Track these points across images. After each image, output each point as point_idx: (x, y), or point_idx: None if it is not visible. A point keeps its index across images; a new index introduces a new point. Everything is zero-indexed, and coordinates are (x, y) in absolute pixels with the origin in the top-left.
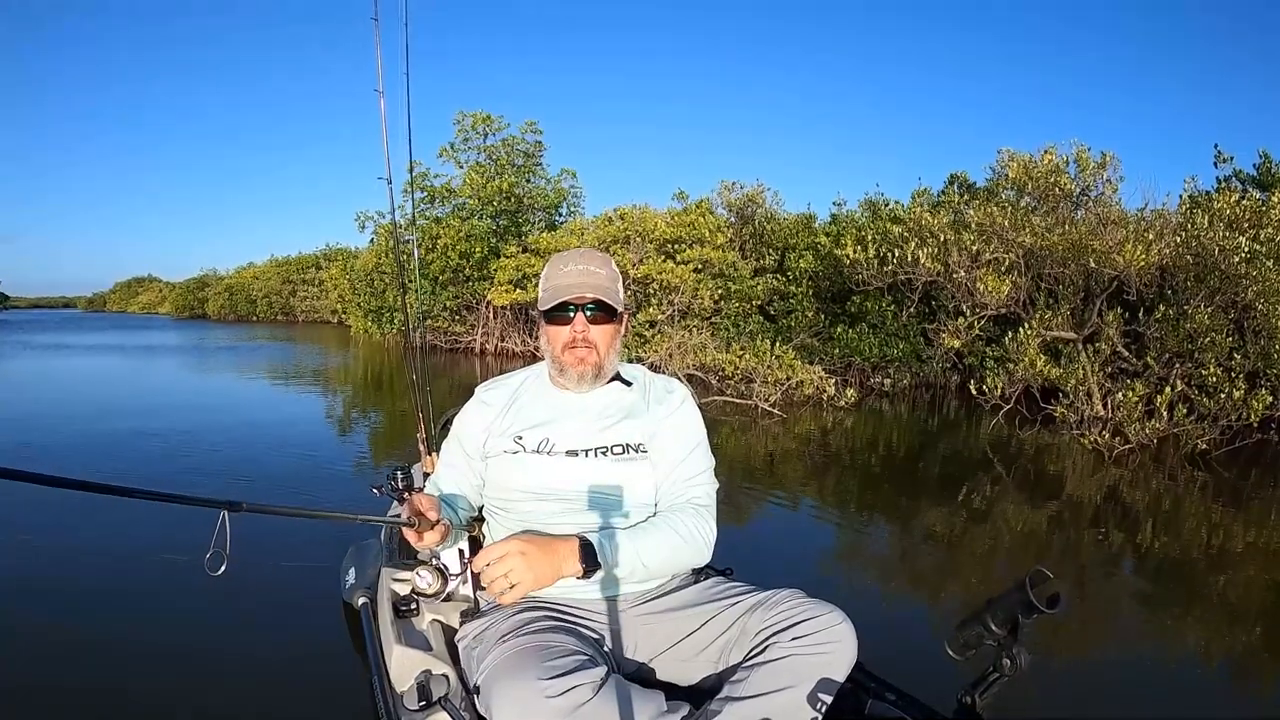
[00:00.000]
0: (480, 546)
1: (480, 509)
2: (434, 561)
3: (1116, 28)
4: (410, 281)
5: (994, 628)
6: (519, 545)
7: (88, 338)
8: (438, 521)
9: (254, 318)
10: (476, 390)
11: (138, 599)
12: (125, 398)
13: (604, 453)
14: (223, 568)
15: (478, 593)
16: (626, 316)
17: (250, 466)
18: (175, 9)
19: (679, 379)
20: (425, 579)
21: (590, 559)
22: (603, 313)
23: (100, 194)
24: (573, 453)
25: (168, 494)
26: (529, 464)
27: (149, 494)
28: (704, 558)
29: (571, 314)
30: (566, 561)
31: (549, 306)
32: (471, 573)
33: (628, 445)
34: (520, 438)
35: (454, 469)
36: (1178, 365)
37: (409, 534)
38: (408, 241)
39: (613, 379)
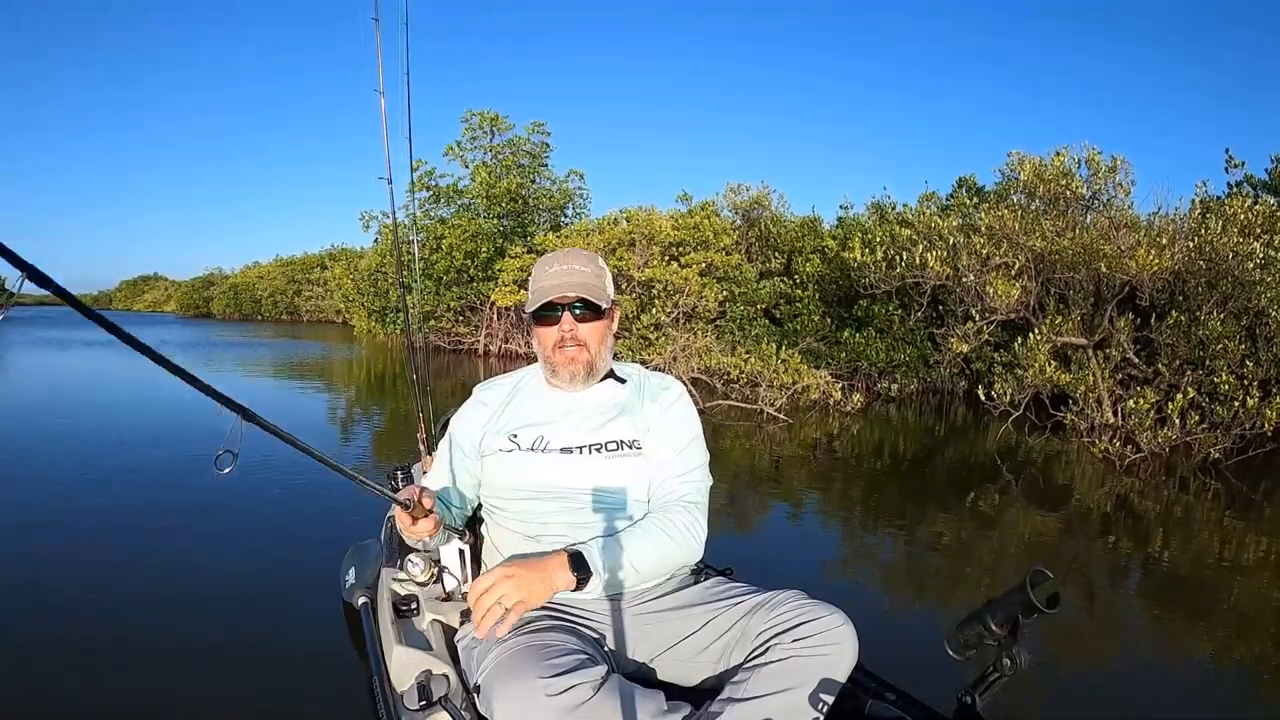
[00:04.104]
0: (480, 547)
1: (475, 510)
2: (426, 551)
3: (1124, 30)
4: (412, 281)
5: (994, 628)
6: (504, 570)
7: (91, 333)
8: (431, 510)
9: (259, 317)
10: (474, 390)
11: (136, 598)
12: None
13: (598, 450)
14: (229, 469)
15: None
16: (617, 310)
17: (248, 468)
18: (179, 8)
19: (675, 377)
20: (418, 565)
21: (581, 568)
22: (589, 310)
23: (106, 192)
24: (567, 450)
25: (192, 377)
26: (524, 462)
27: (177, 370)
28: (695, 556)
29: (558, 314)
30: (557, 575)
31: (535, 308)
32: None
33: (622, 442)
34: (515, 436)
35: (448, 467)
36: (1189, 372)
37: (402, 516)
38: (410, 241)
39: (607, 376)
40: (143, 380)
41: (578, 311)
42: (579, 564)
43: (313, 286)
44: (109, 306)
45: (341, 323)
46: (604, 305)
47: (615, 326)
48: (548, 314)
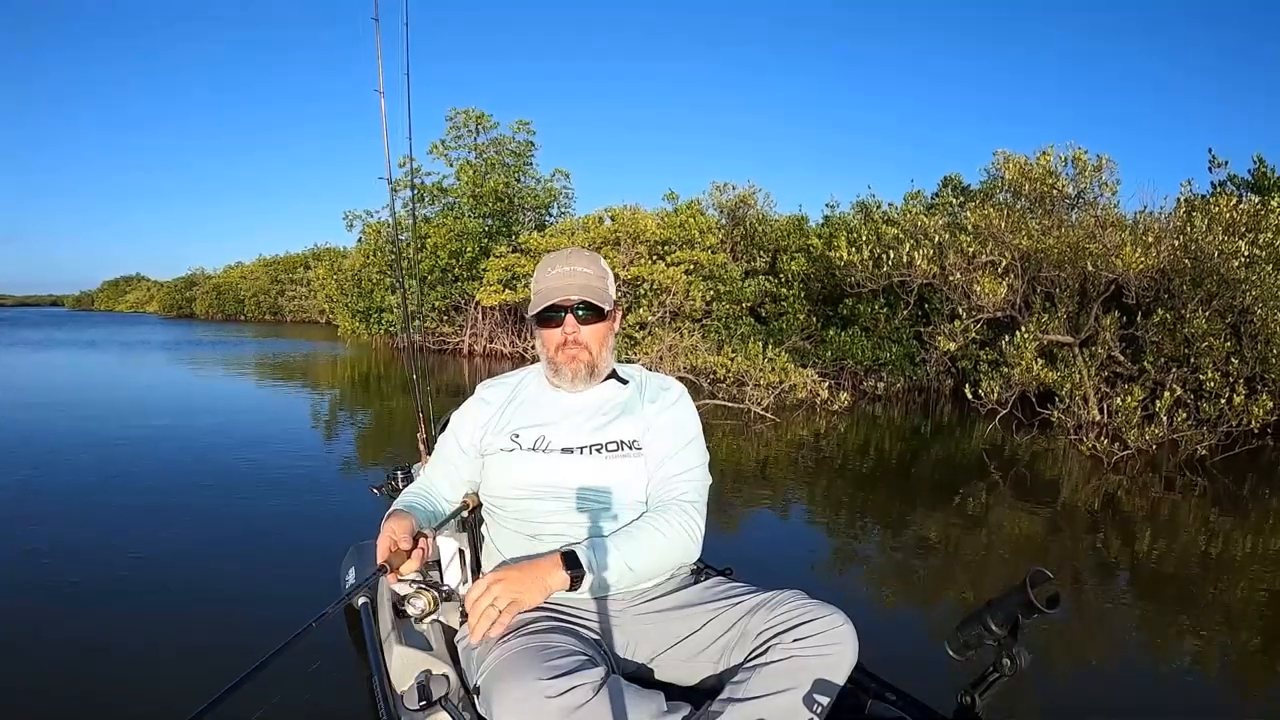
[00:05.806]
0: (480, 547)
1: (474, 510)
2: (426, 579)
3: (1111, 31)
4: (410, 280)
5: (994, 628)
6: (495, 575)
7: (75, 334)
8: (412, 548)
9: (242, 317)
10: (477, 388)
11: (136, 597)
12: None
13: (599, 450)
14: None
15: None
16: (618, 312)
17: (245, 468)
18: (167, 9)
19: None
20: (418, 606)
21: (574, 566)
22: (592, 313)
23: (90, 194)
24: (568, 450)
25: None
26: (525, 461)
27: None
28: (692, 555)
29: (561, 316)
30: (550, 575)
31: (538, 310)
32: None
33: (622, 442)
34: (517, 435)
35: (445, 460)
36: (1175, 370)
37: (389, 577)
38: (404, 241)
39: (609, 377)
40: (139, 380)
41: (580, 314)
42: (572, 562)
43: (296, 286)
44: (91, 307)
45: (325, 323)
46: (606, 308)
47: (617, 327)
48: (551, 316)
